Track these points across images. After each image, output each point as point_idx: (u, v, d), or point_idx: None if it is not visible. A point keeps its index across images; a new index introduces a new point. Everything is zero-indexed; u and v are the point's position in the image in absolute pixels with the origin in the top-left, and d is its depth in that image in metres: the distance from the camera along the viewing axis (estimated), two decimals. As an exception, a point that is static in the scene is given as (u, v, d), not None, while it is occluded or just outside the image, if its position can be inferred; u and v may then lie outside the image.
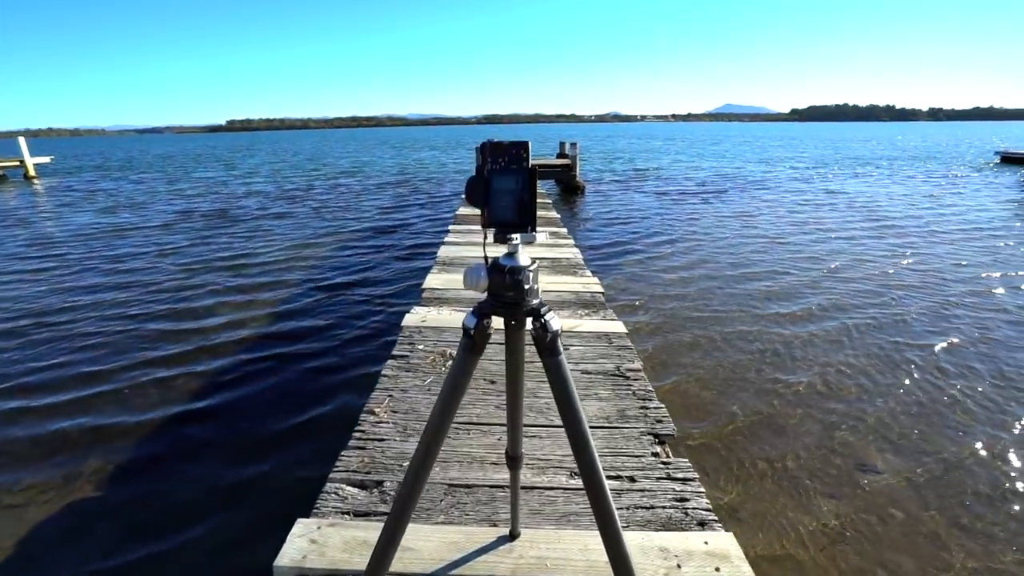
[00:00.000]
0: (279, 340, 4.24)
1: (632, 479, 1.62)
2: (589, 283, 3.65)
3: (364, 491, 1.57)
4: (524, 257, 0.87)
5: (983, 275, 5.83)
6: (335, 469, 1.66)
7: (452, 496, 1.55)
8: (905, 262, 6.42)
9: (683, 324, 4.50)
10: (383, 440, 1.82)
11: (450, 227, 5.76)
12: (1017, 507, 2.37)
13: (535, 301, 0.89)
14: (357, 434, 1.85)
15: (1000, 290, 5.31)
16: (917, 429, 2.97)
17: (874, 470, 2.62)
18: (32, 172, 19.35)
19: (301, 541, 1.36)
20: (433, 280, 3.70)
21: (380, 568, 1.00)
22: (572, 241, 5.09)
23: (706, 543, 1.34)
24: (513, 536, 1.37)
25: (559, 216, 6.52)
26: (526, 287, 0.86)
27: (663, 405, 2.04)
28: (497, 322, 0.92)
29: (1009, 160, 20.89)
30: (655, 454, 1.75)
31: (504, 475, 1.63)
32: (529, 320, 0.90)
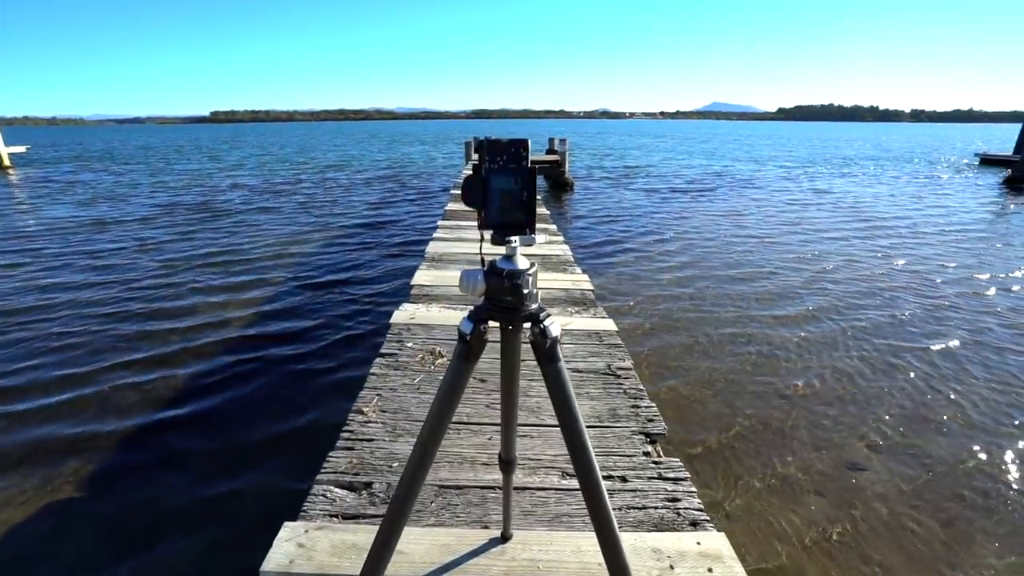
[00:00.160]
0: (264, 339, 4.16)
1: (624, 479, 1.61)
2: (579, 280, 3.64)
3: (353, 493, 1.54)
4: (523, 260, 0.83)
5: (971, 276, 5.95)
6: (323, 470, 1.62)
7: (443, 497, 1.53)
8: (893, 262, 6.52)
9: (674, 323, 4.52)
10: (372, 440, 1.79)
11: (439, 223, 5.71)
12: (1006, 506, 2.41)
13: (534, 306, 0.86)
14: (345, 434, 1.82)
15: (989, 292, 5.42)
16: (907, 428, 3.01)
17: (864, 468, 2.66)
18: (7, 162, 18.82)
19: (288, 545, 1.32)
20: (422, 276, 3.66)
21: (375, 573, 0.98)
22: (561, 238, 5.08)
23: (699, 543, 1.34)
24: (505, 538, 1.35)
25: (548, 213, 6.51)
26: (525, 291, 0.83)
27: (654, 404, 2.04)
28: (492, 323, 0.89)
29: (988, 162, 21.39)
30: (646, 453, 1.74)
31: (495, 475, 1.61)
32: (527, 325, 0.87)
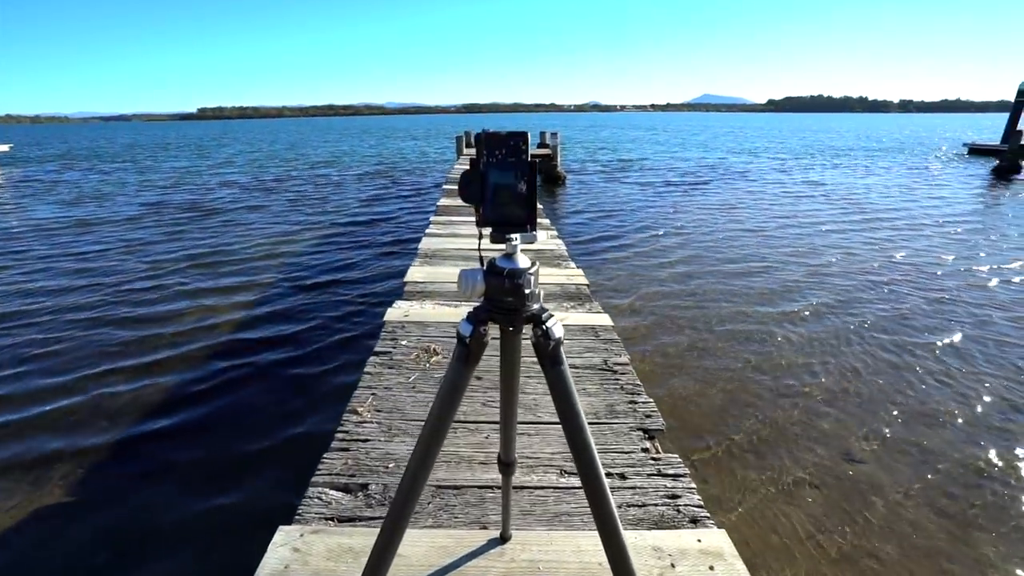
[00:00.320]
0: (254, 339, 4.09)
1: (623, 476, 1.60)
2: (574, 275, 3.62)
3: (348, 495, 1.51)
4: (523, 258, 0.80)
5: (968, 268, 5.96)
6: (317, 472, 1.60)
7: (440, 498, 1.51)
8: (889, 255, 6.51)
9: (671, 320, 4.48)
10: (367, 441, 1.77)
11: (432, 218, 5.66)
12: (1000, 496, 2.43)
13: (536, 306, 0.82)
14: (340, 435, 1.79)
15: (992, 282, 5.43)
16: (909, 423, 3.02)
17: (859, 460, 2.67)
18: (-10, 161, 18.47)
19: (283, 550, 1.30)
20: (415, 273, 3.63)
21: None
22: (555, 232, 5.06)
23: (699, 541, 1.33)
24: (504, 539, 1.33)
25: (541, 207, 6.48)
26: (527, 292, 0.79)
27: (651, 400, 2.03)
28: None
29: (977, 152, 21.60)
30: (645, 450, 1.73)
31: (493, 475, 1.59)
32: (529, 327, 0.83)
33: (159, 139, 46.75)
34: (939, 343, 4.01)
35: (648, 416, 1.92)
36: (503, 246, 0.80)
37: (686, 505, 1.48)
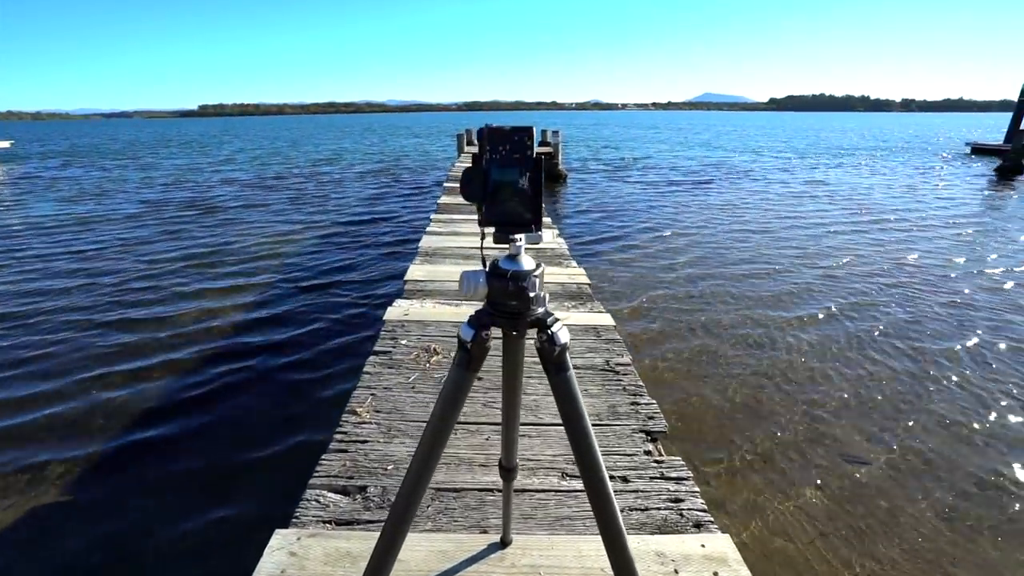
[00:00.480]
0: (253, 341, 4.03)
1: (625, 479, 1.57)
2: (575, 274, 3.59)
3: (347, 497, 1.49)
4: (528, 260, 0.76)
5: (981, 271, 5.87)
6: (315, 474, 1.57)
7: (440, 501, 1.49)
8: (897, 257, 6.42)
9: (677, 323, 4.37)
10: (366, 442, 1.74)
11: (432, 216, 5.64)
12: (1003, 498, 2.40)
13: (540, 310, 0.78)
14: (338, 436, 1.77)
15: (1007, 285, 5.33)
16: (907, 421, 2.98)
17: (862, 461, 2.64)
18: (-9, 158, 18.46)
19: (280, 554, 1.28)
20: (416, 271, 3.60)
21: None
22: (556, 230, 5.04)
23: (703, 546, 1.31)
24: (505, 543, 1.31)
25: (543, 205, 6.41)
26: (531, 295, 0.75)
27: (654, 401, 2.00)
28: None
29: (979, 151, 21.54)
30: (647, 452, 1.70)
31: (493, 477, 1.57)
32: (533, 331, 0.80)
33: (160, 136, 46.72)
34: (956, 348, 3.90)
35: (651, 418, 1.89)
36: (506, 247, 0.76)
37: (689, 509, 1.45)
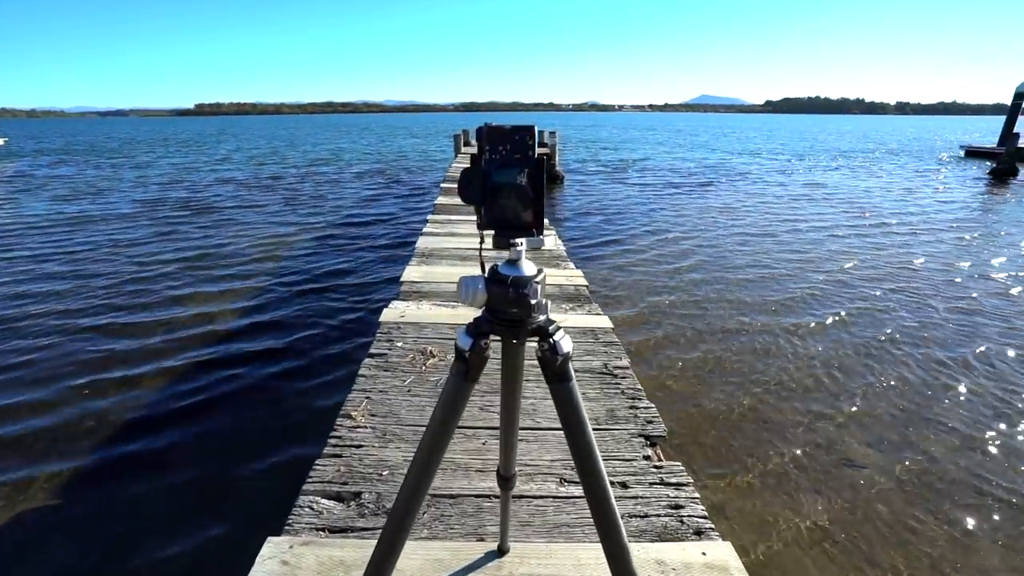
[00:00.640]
0: (247, 346, 3.95)
1: (624, 485, 1.55)
2: (573, 276, 3.57)
3: (341, 504, 1.46)
4: (529, 265, 0.72)
5: (986, 275, 5.83)
6: (309, 480, 1.54)
7: (436, 508, 1.46)
8: (902, 260, 6.37)
9: (679, 330, 4.29)
10: (360, 447, 1.71)
11: (429, 217, 5.61)
12: (1003, 505, 2.38)
13: (542, 317, 0.75)
14: (332, 440, 1.74)
15: (1015, 290, 5.29)
16: (907, 428, 2.95)
17: (863, 467, 2.62)
18: (-16, 156, 18.32)
19: (272, 563, 1.25)
20: (412, 273, 3.57)
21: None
22: (554, 231, 5.01)
23: (704, 554, 1.28)
24: (502, 551, 1.28)
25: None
26: (532, 302, 0.71)
27: (653, 405, 1.98)
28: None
29: (973, 154, 21.69)
30: (647, 457, 1.68)
31: (490, 483, 1.54)
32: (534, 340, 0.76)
33: (156, 135, 46.45)
34: (967, 354, 3.86)
35: (650, 422, 1.87)
36: (506, 251, 0.73)
37: (690, 516, 1.43)
